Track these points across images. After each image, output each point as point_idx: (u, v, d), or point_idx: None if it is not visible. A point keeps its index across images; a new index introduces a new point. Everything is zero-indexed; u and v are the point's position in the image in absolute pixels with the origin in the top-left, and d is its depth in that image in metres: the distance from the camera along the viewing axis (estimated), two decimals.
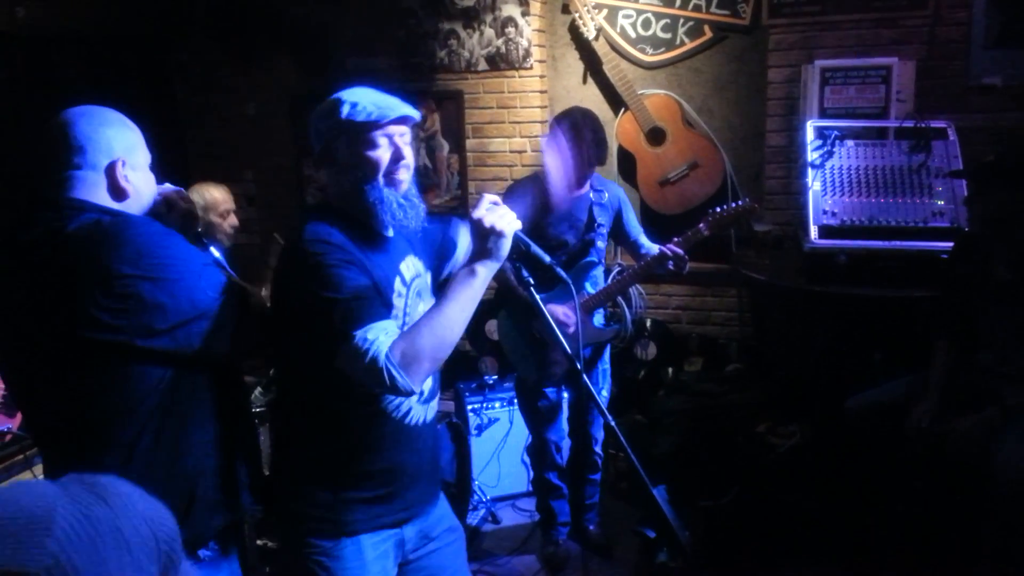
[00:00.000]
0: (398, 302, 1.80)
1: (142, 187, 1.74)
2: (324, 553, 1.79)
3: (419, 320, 1.67)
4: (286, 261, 1.77)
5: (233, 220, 3.44)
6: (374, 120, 1.72)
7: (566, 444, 3.42)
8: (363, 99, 1.74)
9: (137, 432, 1.63)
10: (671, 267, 3.01)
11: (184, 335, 1.61)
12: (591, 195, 3.14)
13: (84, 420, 1.64)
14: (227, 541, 1.82)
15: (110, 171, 1.67)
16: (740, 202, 3.06)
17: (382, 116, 1.72)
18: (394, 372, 1.56)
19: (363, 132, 1.73)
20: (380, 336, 1.58)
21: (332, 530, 1.79)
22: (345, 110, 1.72)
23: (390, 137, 1.76)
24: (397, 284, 1.81)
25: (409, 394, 1.64)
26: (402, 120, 1.77)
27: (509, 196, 3.16)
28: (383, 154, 1.75)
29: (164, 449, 1.66)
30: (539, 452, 3.41)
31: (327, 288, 1.62)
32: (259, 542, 3.30)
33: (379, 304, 1.66)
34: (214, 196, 3.37)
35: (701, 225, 3.01)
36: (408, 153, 1.79)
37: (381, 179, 1.76)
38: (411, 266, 1.88)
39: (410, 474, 1.86)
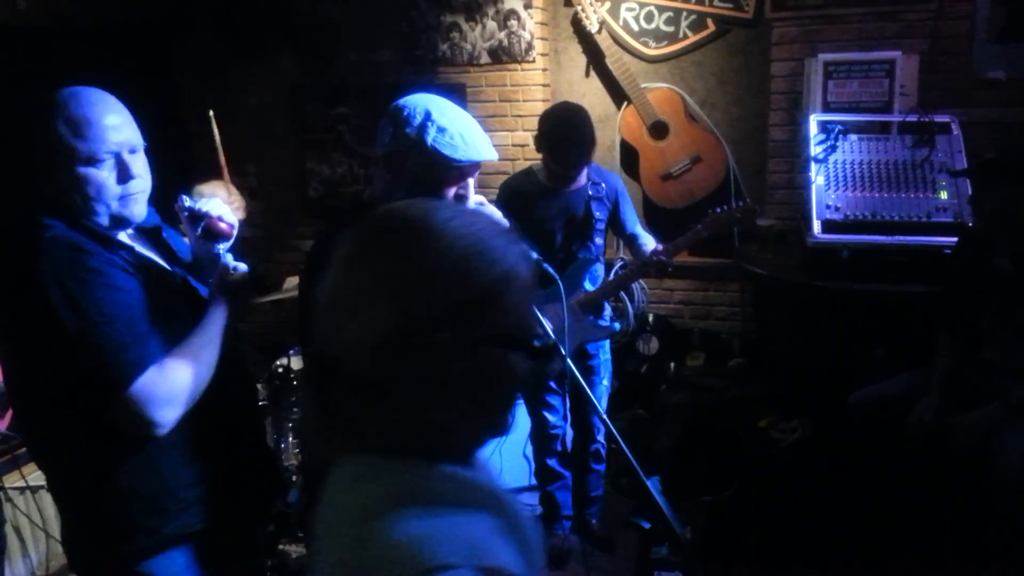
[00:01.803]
0: None
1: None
2: None
3: None
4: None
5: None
6: (457, 159, 1.69)
7: (568, 431, 3.42)
8: (452, 127, 1.69)
9: (87, 442, 1.63)
10: (653, 273, 3.05)
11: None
12: (589, 188, 3.12)
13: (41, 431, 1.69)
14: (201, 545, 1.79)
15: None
16: (739, 203, 3.07)
17: (466, 158, 1.70)
18: None
19: (440, 163, 1.70)
20: None
21: None
22: (431, 134, 1.68)
23: (463, 175, 1.76)
24: None
25: None
26: (480, 163, 1.76)
27: (502, 192, 3.19)
28: (451, 190, 1.75)
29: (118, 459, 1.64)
30: (540, 438, 3.41)
31: None
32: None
33: None
34: (218, 195, 3.32)
35: (699, 226, 3.02)
36: (472, 190, 1.79)
37: None
38: None
39: None
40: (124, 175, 1.62)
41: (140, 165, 1.67)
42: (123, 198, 1.64)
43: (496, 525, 0.85)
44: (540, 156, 2.98)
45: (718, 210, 3.05)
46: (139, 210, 1.68)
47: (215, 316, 1.73)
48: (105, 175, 1.61)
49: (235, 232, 1.91)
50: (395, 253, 0.86)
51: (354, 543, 0.82)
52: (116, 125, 1.61)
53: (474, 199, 1.75)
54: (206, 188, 3.40)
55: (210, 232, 1.87)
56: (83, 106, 1.59)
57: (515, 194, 3.13)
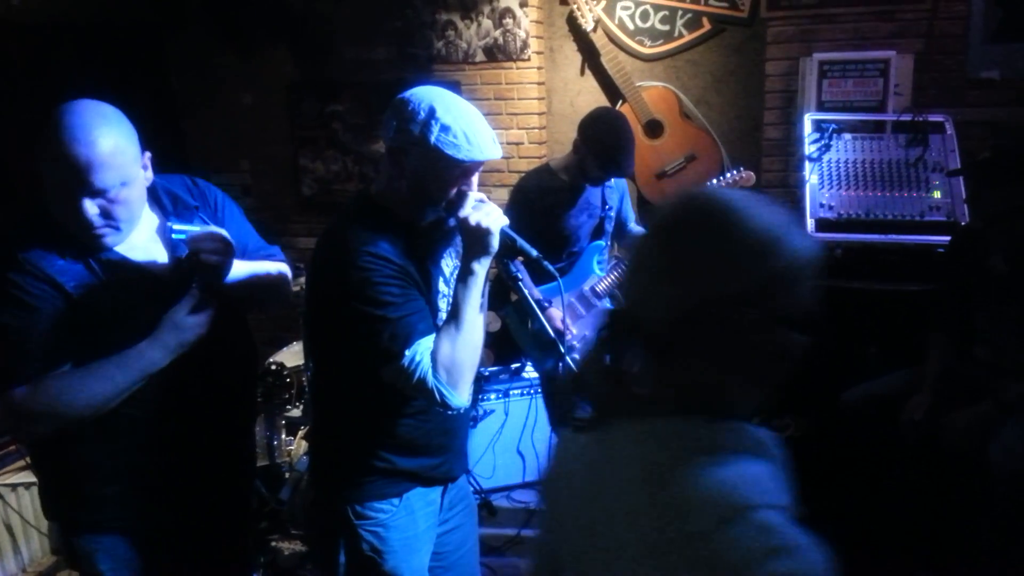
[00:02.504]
0: (442, 303, 1.84)
1: None
2: (378, 524, 1.84)
3: (447, 334, 1.69)
4: (331, 265, 1.74)
5: None
6: (459, 159, 1.67)
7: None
8: (456, 125, 1.66)
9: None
10: None
11: None
12: None
13: None
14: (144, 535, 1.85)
15: None
16: (736, 171, 3.13)
17: (468, 157, 1.67)
18: (444, 391, 1.65)
19: (443, 162, 1.67)
20: (426, 356, 1.65)
21: (387, 491, 1.84)
22: (435, 132, 1.64)
23: (466, 174, 1.74)
24: (441, 286, 1.84)
25: (458, 408, 1.71)
26: (484, 162, 1.74)
27: (522, 193, 3.15)
28: (453, 188, 1.73)
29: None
30: None
31: (375, 306, 1.64)
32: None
33: (422, 317, 1.69)
34: None
35: None
36: (474, 187, 1.78)
37: (442, 207, 1.75)
38: (450, 262, 1.90)
39: (452, 442, 1.95)
40: (74, 217, 1.62)
41: (117, 203, 1.64)
42: (82, 231, 1.65)
43: (770, 470, 0.94)
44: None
45: (716, 180, 3.13)
46: (108, 241, 1.69)
47: (140, 354, 1.70)
48: (61, 210, 1.63)
49: (228, 267, 1.77)
50: (702, 237, 0.96)
51: (657, 492, 0.90)
52: (82, 167, 1.56)
53: (474, 195, 1.74)
54: None
55: (196, 266, 1.73)
56: (58, 140, 1.56)
57: (540, 194, 3.11)
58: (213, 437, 1.91)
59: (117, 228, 1.68)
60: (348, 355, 1.76)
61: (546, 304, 2.99)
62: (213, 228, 1.79)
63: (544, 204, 3.03)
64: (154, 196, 1.84)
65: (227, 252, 1.75)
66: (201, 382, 1.82)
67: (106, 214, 1.64)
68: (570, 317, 3.14)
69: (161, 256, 1.79)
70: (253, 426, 2.27)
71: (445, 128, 1.64)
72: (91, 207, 1.61)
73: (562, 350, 1.76)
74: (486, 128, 1.71)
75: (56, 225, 1.66)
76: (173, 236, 1.78)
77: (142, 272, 1.75)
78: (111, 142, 1.60)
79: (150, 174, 1.75)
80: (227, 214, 1.98)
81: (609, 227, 3.23)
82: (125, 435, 1.76)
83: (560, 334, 1.87)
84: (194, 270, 1.73)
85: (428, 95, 1.69)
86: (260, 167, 5.04)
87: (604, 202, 3.18)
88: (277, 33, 4.74)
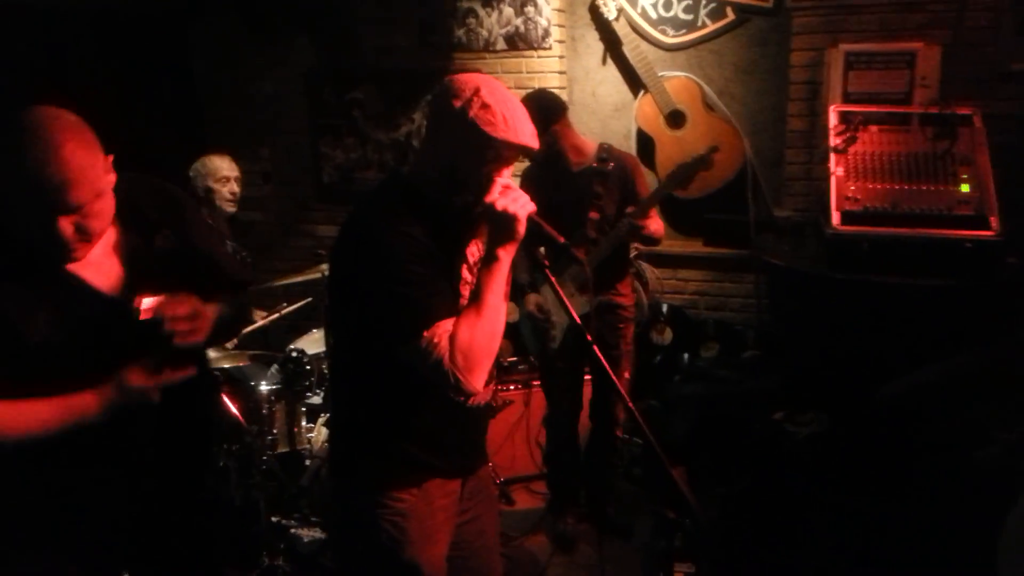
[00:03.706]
0: (464, 291, 1.81)
1: None
2: (397, 513, 1.83)
3: (467, 319, 1.68)
4: (358, 240, 1.73)
5: (233, 187, 3.72)
6: (495, 137, 1.65)
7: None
8: (497, 106, 1.64)
9: None
10: (625, 236, 3.10)
11: None
12: (595, 165, 3.16)
13: None
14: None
15: None
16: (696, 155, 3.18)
17: (503, 137, 1.65)
18: (459, 376, 1.63)
19: (478, 141, 1.65)
20: (444, 339, 1.63)
21: (406, 480, 1.84)
22: (474, 107, 1.64)
23: (499, 160, 1.71)
24: (464, 272, 1.82)
25: (471, 395, 1.71)
26: (520, 148, 1.71)
27: (524, 177, 3.24)
28: (483, 170, 1.70)
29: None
30: (554, 425, 3.41)
31: (399, 283, 1.64)
32: (273, 519, 3.32)
33: (444, 300, 1.69)
34: (214, 163, 3.67)
35: (663, 181, 3.14)
36: (508, 176, 1.75)
37: (472, 194, 1.72)
38: (476, 250, 1.88)
39: (471, 437, 1.97)
40: (46, 237, 1.52)
41: (92, 216, 1.55)
42: (55, 250, 1.56)
43: None
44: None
45: (680, 165, 3.16)
46: (72, 256, 1.60)
47: (81, 405, 1.62)
48: (26, 229, 1.54)
49: (199, 341, 1.66)
50: None
51: None
52: (56, 187, 1.46)
53: (502, 181, 1.73)
54: (210, 161, 3.68)
55: (167, 347, 1.63)
56: (23, 159, 1.45)
57: (537, 173, 3.18)
58: (148, 466, 1.83)
59: (89, 240, 1.59)
60: (368, 338, 1.75)
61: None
62: (183, 302, 1.67)
63: (538, 183, 3.05)
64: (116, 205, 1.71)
65: (200, 329, 1.67)
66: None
67: (81, 230, 1.55)
68: (553, 303, 3.15)
69: (115, 272, 1.70)
70: (200, 463, 2.16)
71: (485, 106, 1.64)
72: (67, 226, 1.52)
73: (578, 321, 1.79)
74: (526, 119, 1.70)
75: (8, 240, 1.56)
76: (141, 319, 1.67)
77: (91, 294, 1.66)
78: (81, 155, 1.49)
79: (112, 177, 1.62)
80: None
81: (595, 215, 3.17)
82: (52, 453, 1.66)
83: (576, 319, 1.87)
84: (161, 346, 1.64)
85: (476, 78, 1.71)
86: (280, 154, 5.05)
87: (590, 187, 3.13)
88: (298, 21, 4.74)
